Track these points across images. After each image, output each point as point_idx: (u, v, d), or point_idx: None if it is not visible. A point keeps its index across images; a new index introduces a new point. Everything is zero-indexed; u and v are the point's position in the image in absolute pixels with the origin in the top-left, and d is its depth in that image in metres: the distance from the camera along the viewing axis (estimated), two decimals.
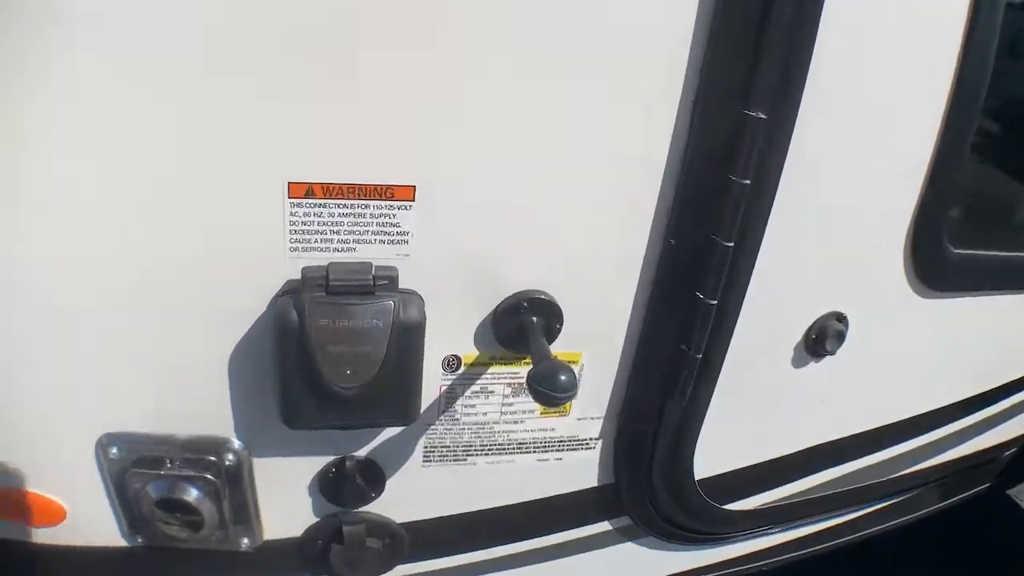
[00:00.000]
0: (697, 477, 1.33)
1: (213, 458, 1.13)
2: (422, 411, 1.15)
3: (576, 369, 1.18)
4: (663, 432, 1.24)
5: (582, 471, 1.30)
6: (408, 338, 1.02)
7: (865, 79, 1.08)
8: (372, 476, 1.19)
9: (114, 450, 1.12)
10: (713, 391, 1.22)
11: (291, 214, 0.99)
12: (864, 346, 1.33)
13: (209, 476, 1.13)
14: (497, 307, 1.10)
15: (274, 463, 1.17)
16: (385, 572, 1.31)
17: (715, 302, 1.10)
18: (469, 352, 1.13)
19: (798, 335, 1.28)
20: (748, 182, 1.02)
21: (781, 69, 0.98)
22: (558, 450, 1.26)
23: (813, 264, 1.23)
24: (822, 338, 1.26)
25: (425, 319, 1.05)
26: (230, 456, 1.14)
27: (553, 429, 1.24)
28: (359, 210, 1.01)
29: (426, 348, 1.09)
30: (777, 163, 1.05)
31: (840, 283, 1.27)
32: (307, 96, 0.91)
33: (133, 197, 0.94)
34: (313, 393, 1.02)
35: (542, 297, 1.09)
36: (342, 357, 1.01)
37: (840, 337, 1.26)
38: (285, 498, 1.21)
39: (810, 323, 1.27)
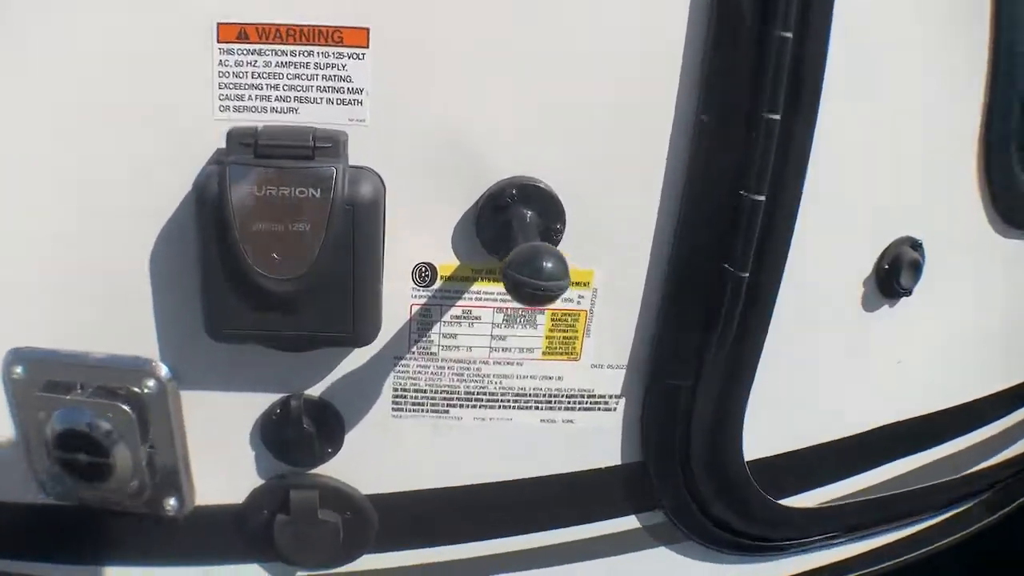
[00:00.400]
0: (747, 458, 1.03)
1: (132, 386, 0.92)
2: (390, 339, 0.92)
3: (587, 295, 0.92)
4: (703, 387, 0.95)
5: (600, 441, 1.01)
6: (356, 220, 0.79)
7: None
8: (327, 424, 0.95)
9: (19, 369, 0.92)
10: (766, 329, 0.93)
11: (220, 63, 0.79)
12: (943, 290, 1.04)
13: (123, 407, 0.90)
14: (480, 198, 0.86)
15: (207, 399, 0.94)
16: (346, 561, 1.04)
17: (761, 198, 0.83)
18: (447, 260, 0.89)
19: (867, 264, 0.99)
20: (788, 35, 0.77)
21: None
22: (567, 407, 0.98)
23: (880, 172, 0.95)
24: (895, 269, 0.97)
25: (382, 199, 0.82)
26: (151, 383, 0.91)
27: (560, 377, 0.96)
28: (301, 59, 0.80)
29: (393, 252, 0.86)
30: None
31: (912, 202, 1.00)
32: None
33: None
34: (237, 287, 0.80)
35: (537, 186, 0.85)
36: (269, 237, 0.79)
37: (916, 269, 0.98)
38: (222, 449, 0.97)
39: (881, 249, 0.98)
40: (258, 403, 0.95)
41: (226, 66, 0.80)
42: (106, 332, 0.91)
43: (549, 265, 0.74)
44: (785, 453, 1.07)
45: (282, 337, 0.84)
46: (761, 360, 0.95)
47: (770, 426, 1.03)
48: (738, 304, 0.88)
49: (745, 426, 1.00)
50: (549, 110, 0.83)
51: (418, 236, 0.87)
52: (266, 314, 0.82)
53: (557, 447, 1.00)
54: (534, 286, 0.73)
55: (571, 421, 0.99)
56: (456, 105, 0.82)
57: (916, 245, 1.00)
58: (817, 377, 1.04)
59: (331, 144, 0.79)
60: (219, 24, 0.78)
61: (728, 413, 0.98)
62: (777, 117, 0.81)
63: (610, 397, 0.98)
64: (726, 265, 0.87)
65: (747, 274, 0.87)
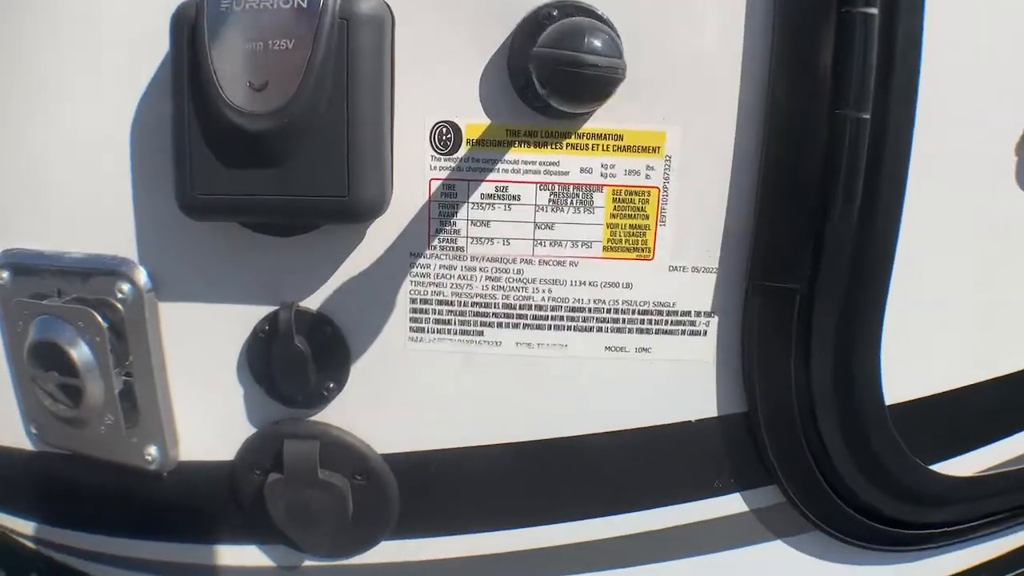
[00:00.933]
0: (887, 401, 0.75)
1: (107, 294, 0.75)
2: (404, 228, 0.72)
3: (658, 165, 0.70)
4: (824, 287, 0.69)
5: (686, 381, 0.75)
6: (351, 38, 0.63)
7: None
8: (326, 347, 0.74)
9: (5, 275, 0.79)
10: (901, 197, 0.68)
11: None
12: None
13: (94, 314, 0.74)
14: (513, 31, 0.67)
15: (190, 315, 0.76)
16: (360, 547, 0.80)
17: (874, 10, 0.62)
18: (474, 119, 0.69)
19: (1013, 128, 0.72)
20: None
21: None
22: (640, 330, 0.74)
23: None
24: None
25: (388, 20, 0.66)
26: (126, 288, 0.75)
27: (629, 285, 0.73)
28: None
29: (404, 109, 0.69)
30: None
31: None
32: None
33: None
34: (210, 133, 0.65)
35: (585, 5, 0.66)
36: (247, 62, 0.63)
37: None
38: (208, 384, 0.78)
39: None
40: (248, 320, 0.76)
41: None
42: (87, 230, 0.76)
43: (596, 42, 0.54)
44: (937, 395, 0.78)
45: (265, 205, 0.66)
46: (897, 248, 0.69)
47: (913, 354, 0.75)
48: (860, 157, 0.64)
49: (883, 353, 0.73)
50: None
51: (436, 86, 0.69)
52: (245, 172, 0.65)
53: (627, 389, 0.75)
54: (576, 60, 0.53)
55: (646, 350, 0.74)
56: None
57: None
58: (970, 277, 0.76)
59: None
60: None
61: (861, 327, 0.71)
62: None
63: (697, 314, 0.74)
64: (838, 110, 0.64)
65: (867, 115, 0.64)
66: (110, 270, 0.75)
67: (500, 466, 0.78)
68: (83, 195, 0.75)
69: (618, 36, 0.59)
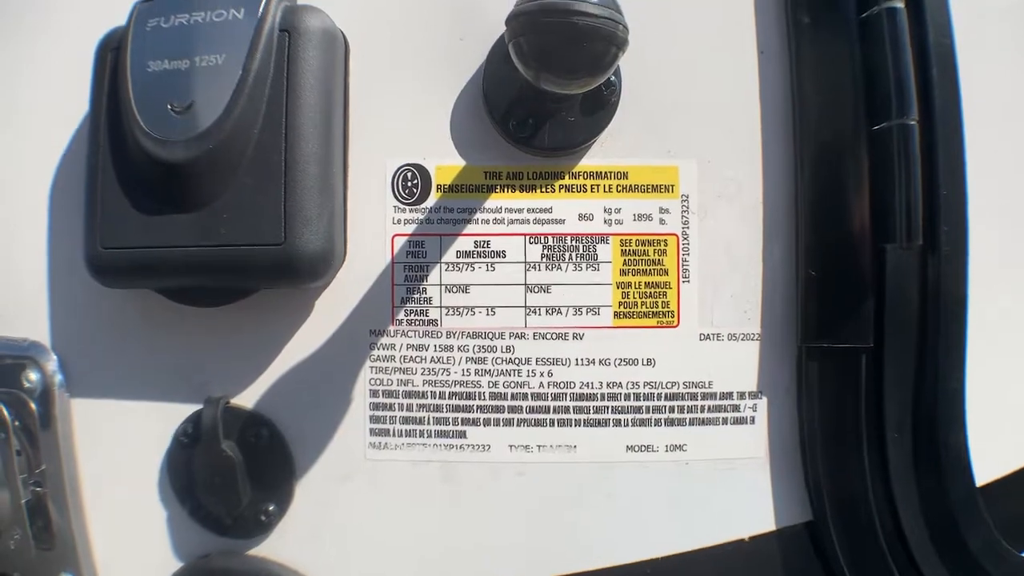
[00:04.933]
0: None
1: (12, 384, 0.60)
2: (362, 297, 0.57)
3: (675, 207, 0.57)
4: (892, 347, 0.53)
5: (734, 487, 0.57)
6: (293, 54, 0.52)
7: None
8: (264, 457, 0.56)
9: None
10: (966, 227, 0.54)
11: None
12: None
13: (1, 408, 0.58)
14: (488, 55, 0.57)
15: (105, 413, 0.59)
16: None
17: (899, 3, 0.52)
18: (445, 160, 0.57)
19: None
20: None
21: None
22: (670, 420, 0.57)
23: None
24: None
25: (338, 39, 0.56)
26: (33, 376, 0.59)
27: (650, 361, 0.57)
28: None
29: (361, 151, 0.58)
30: None
31: None
32: None
33: None
34: (122, 166, 0.53)
35: None
36: (170, 77, 0.52)
37: None
38: (128, 502, 0.59)
39: None
40: (171, 419, 0.58)
41: None
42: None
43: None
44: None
45: (185, 259, 0.52)
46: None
47: (1001, 419, 0.58)
48: (914, 174, 0.52)
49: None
50: None
51: (398, 123, 0.57)
52: (163, 219, 0.52)
53: (658, 503, 0.57)
54: (565, 8, 0.42)
55: (680, 447, 0.57)
56: None
57: None
58: None
59: None
60: None
61: (943, 387, 0.54)
62: None
63: (740, 396, 0.57)
64: (888, 123, 0.52)
65: (914, 120, 0.52)
66: (18, 356, 0.60)
67: None
68: None
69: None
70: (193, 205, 0.52)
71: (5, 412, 0.58)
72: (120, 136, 0.53)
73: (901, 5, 0.53)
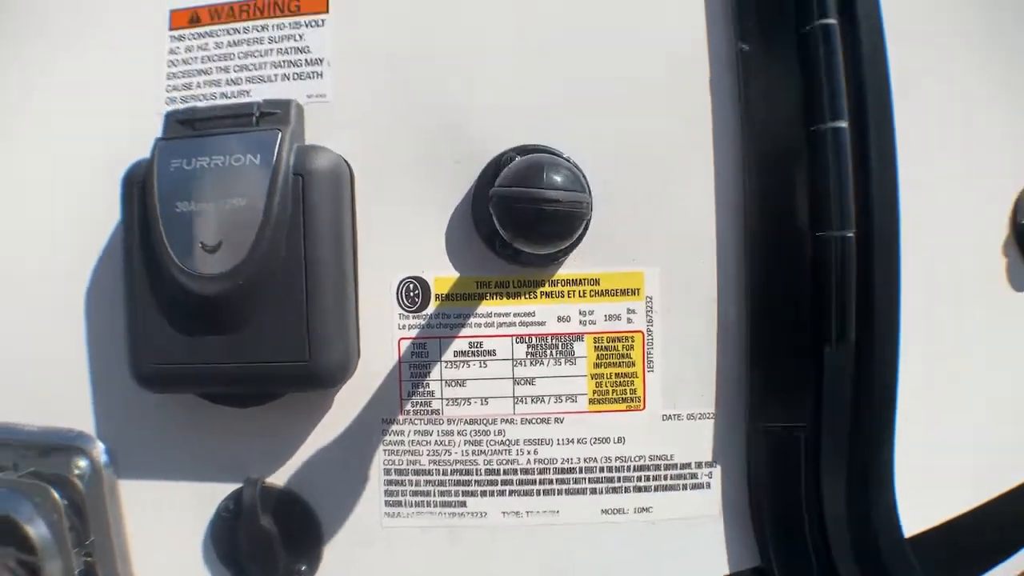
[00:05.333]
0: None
1: (63, 469, 0.70)
2: (374, 392, 0.67)
3: (639, 308, 0.66)
4: (827, 426, 0.63)
5: (694, 540, 0.68)
6: (308, 193, 0.61)
7: None
8: (295, 525, 0.67)
9: None
10: (897, 327, 0.64)
11: (171, 51, 0.67)
12: None
13: (51, 490, 0.67)
14: (476, 181, 0.65)
15: (150, 492, 0.70)
16: None
17: (843, 124, 0.60)
18: (442, 272, 0.66)
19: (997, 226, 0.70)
20: None
21: None
22: (639, 487, 0.67)
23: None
24: None
25: (345, 175, 0.65)
26: (82, 464, 0.70)
27: (621, 439, 0.67)
28: (254, 34, 0.68)
29: (369, 267, 0.67)
30: None
31: None
32: None
33: None
34: (163, 300, 0.62)
35: (550, 151, 0.64)
36: (199, 223, 0.60)
37: None
38: (173, 570, 0.70)
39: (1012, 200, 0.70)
40: (212, 497, 0.69)
41: (176, 55, 0.68)
42: (43, 402, 0.71)
43: (557, 178, 0.52)
44: (950, 523, 0.70)
45: (222, 374, 0.61)
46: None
47: (923, 483, 0.68)
48: (849, 281, 0.61)
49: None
50: (566, 79, 0.66)
51: (400, 241, 0.66)
52: (200, 340, 0.61)
53: (629, 556, 0.68)
54: (535, 197, 0.50)
55: (646, 509, 0.67)
56: (438, 70, 0.66)
57: None
58: (974, 391, 0.71)
59: (278, 111, 0.63)
60: (172, 11, 0.69)
61: (872, 459, 0.64)
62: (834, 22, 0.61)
63: (698, 465, 0.67)
64: (820, 232, 0.61)
65: (851, 232, 0.61)
66: (67, 445, 0.70)
67: None
68: (38, 365, 0.71)
69: (581, 172, 0.58)
70: (225, 329, 0.61)
71: (56, 496, 0.67)
72: (155, 266, 0.61)
73: (844, 125, 0.61)
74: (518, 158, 0.62)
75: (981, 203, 0.70)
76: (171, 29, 0.69)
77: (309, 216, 0.61)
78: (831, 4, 0.61)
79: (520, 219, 0.51)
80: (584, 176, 0.57)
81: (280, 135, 0.61)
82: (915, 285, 0.65)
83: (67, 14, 0.71)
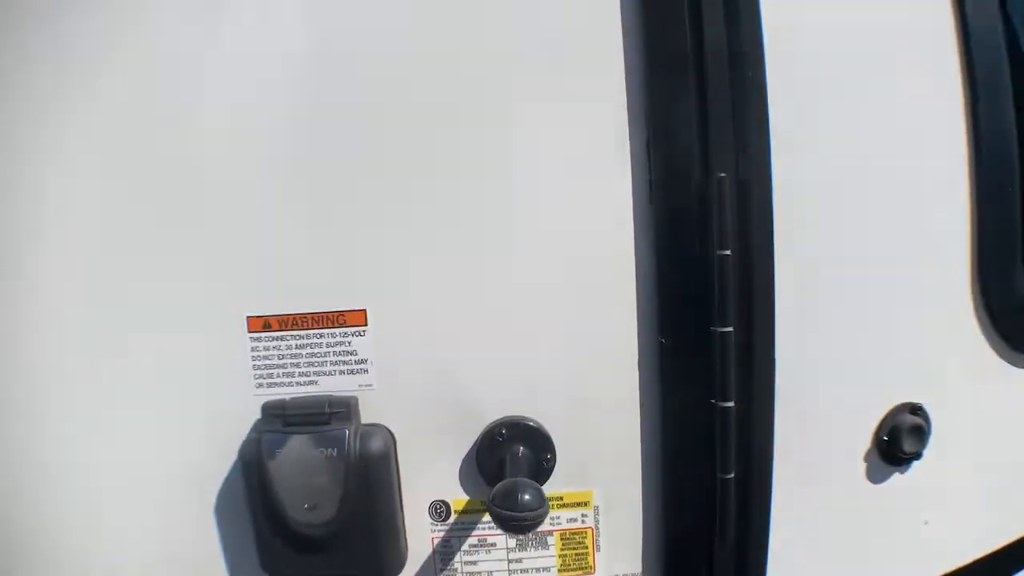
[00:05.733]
0: None
1: None
2: (417, 571, 1.01)
3: (590, 514, 1.00)
4: None
5: None
6: (369, 471, 0.92)
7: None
8: None
9: None
10: (768, 521, 0.98)
11: (252, 349, 0.97)
12: (959, 441, 1.05)
13: None
14: (477, 439, 0.98)
15: None
16: None
17: (731, 404, 0.92)
18: (458, 496, 1.00)
19: (864, 442, 1.03)
20: (728, 252, 0.88)
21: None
22: None
23: (859, 343, 1.01)
24: (896, 439, 0.99)
25: (391, 451, 0.95)
26: None
27: None
28: (315, 340, 0.97)
29: (410, 493, 0.98)
30: (763, 227, 0.91)
31: (902, 364, 1.03)
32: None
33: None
34: (280, 533, 0.94)
35: (526, 423, 0.96)
36: (300, 491, 0.92)
37: (920, 434, 0.99)
38: None
39: (876, 423, 1.02)
40: None
41: (257, 351, 0.97)
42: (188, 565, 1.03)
43: (527, 497, 0.84)
44: None
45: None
46: (771, 550, 0.99)
47: None
48: (730, 501, 0.94)
49: None
50: (529, 356, 0.96)
51: (430, 477, 0.99)
52: (307, 556, 0.94)
53: None
54: (515, 519, 0.83)
55: None
56: (445, 363, 0.96)
57: (916, 409, 1.00)
58: (839, 552, 1.06)
59: (343, 409, 0.94)
60: (248, 317, 0.97)
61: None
62: (729, 330, 0.91)
63: None
64: (712, 465, 0.94)
65: (731, 475, 0.93)
66: None
67: None
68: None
69: (540, 494, 0.88)
70: (323, 550, 0.94)
71: None
72: (275, 513, 0.92)
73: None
74: (505, 432, 0.94)
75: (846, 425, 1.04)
76: (249, 331, 0.97)
77: (371, 483, 0.92)
78: None
79: (506, 525, 0.84)
80: (543, 493, 0.88)
81: (347, 434, 0.92)
82: (784, 491, 0.99)
83: None
